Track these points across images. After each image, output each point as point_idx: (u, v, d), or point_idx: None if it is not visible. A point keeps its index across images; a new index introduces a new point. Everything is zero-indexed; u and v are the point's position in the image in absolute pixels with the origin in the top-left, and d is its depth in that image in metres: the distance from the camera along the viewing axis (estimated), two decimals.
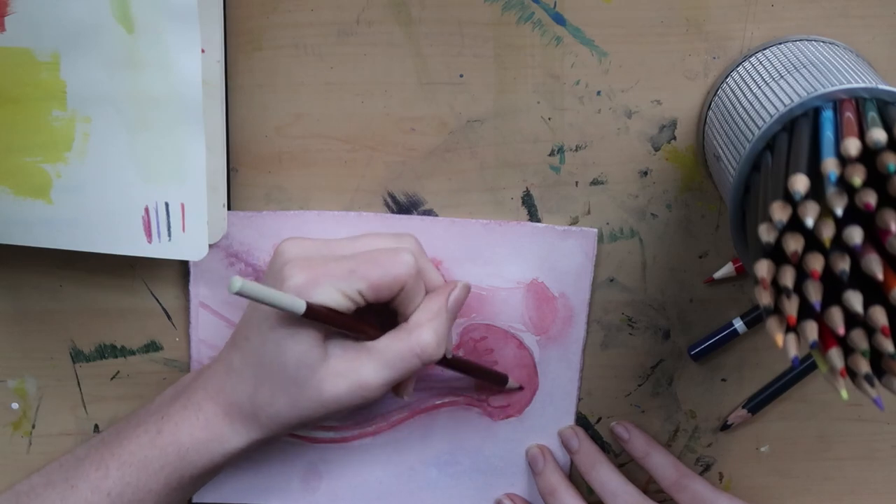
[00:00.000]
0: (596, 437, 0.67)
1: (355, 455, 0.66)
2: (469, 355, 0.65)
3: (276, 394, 0.56)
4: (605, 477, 0.64)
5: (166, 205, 0.60)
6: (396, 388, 0.60)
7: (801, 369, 0.65)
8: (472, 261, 0.64)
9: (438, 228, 0.63)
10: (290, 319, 0.55)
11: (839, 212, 0.44)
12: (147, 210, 0.60)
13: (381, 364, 0.56)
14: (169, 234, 0.60)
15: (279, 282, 0.55)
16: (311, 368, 0.55)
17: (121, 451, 0.57)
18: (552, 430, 0.66)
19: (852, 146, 0.44)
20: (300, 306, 0.53)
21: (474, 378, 0.65)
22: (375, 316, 0.58)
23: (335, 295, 0.54)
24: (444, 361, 0.60)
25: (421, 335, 0.56)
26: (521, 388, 0.65)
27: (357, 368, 0.55)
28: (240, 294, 0.51)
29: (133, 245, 0.61)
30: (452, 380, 0.65)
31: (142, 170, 0.60)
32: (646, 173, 0.63)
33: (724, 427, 0.66)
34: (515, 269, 0.64)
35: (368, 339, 0.57)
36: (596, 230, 0.63)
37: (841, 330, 0.44)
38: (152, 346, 0.65)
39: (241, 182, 0.63)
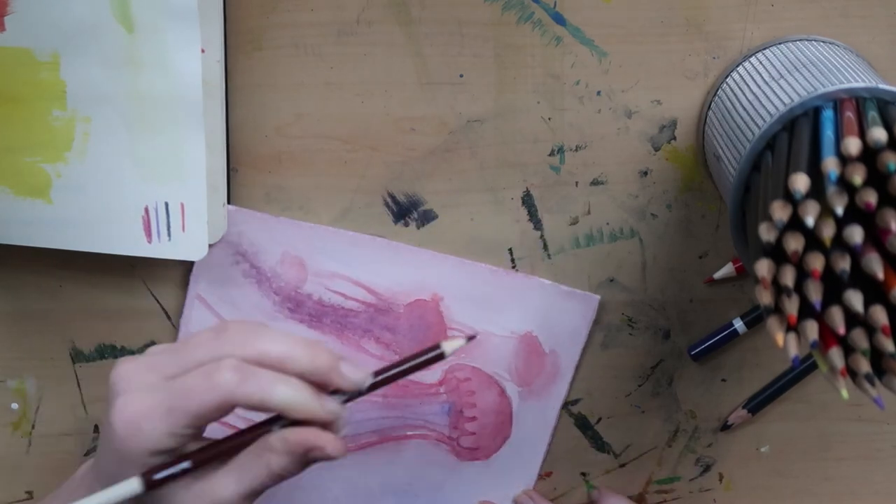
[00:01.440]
0: (596, 438, 0.67)
1: (319, 469, 0.63)
2: (451, 393, 0.65)
3: None
4: None
5: (166, 204, 0.60)
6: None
7: (801, 369, 0.65)
8: (473, 302, 0.64)
9: (447, 266, 0.64)
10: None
11: (839, 211, 0.44)
12: (147, 210, 0.60)
13: (230, 471, 0.50)
14: (169, 234, 0.60)
15: (108, 422, 0.50)
16: (164, 498, 0.50)
17: None
18: (514, 482, 0.67)
19: (853, 145, 0.44)
20: (135, 489, 0.49)
21: (414, 373, 0.54)
22: None
23: (160, 436, 0.49)
24: (368, 390, 0.52)
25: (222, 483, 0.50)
26: (472, 338, 0.53)
27: (210, 485, 0.50)
28: None
29: (133, 245, 0.61)
30: (429, 413, 0.65)
31: (142, 169, 0.60)
32: (646, 173, 0.63)
33: (725, 427, 0.66)
34: (513, 318, 0.64)
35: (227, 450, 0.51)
36: (598, 297, 0.64)
37: (841, 329, 0.44)
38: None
39: (241, 182, 0.63)
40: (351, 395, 0.51)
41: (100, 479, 0.51)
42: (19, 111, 0.60)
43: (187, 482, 0.50)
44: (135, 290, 0.64)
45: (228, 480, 0.50)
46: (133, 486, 0.49)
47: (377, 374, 0.51)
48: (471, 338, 0.52)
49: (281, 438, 0.50)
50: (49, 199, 0.61)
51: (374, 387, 0.51)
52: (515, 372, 0.65)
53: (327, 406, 0.50)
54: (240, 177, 0.63)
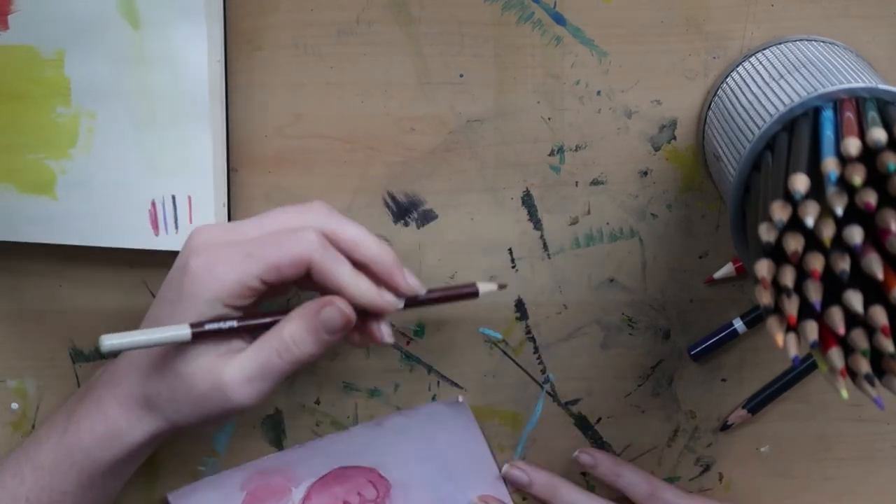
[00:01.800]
0: (596, 438, 0.67)
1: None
2: None
3: (159, 385, 0.55)
4: (572, 497, 0.65)
5: (173, 197, 0.60)
6: (370, 335, 0.57)
7: (801, 369, 0.65)
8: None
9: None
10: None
11: (839, 211, 0.44)
12: (154, 203, 0.60)
13: (242, 359, 0.54)
14: (176, 227, 0.61)
15: (180, 270, 0.54)
16: (186, 360, 0.54)
17: (35, 454, 0.57)
18: None
19: (852, 146, 0.44)
20: (185, 335, 0.52)
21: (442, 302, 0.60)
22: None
23: (230, 282, 0.53)
24: (411, 304, 0.57)
25: (282, 330, 0.54)
26: (503, 286, 0.60)
27: (222, 366, 0.54)
28: (112, 352, 0.51)
29: (140, 238, 0.61)
30: None
31: (148, 164, 0.60)
32: (646, 173, 0.63)
33: (724, 427, 0.66)
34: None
35: (270, 326, 0.55)
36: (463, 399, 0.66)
37: (841, 330, 0.44)
38: None
39: (241, 182, 0.63)
40: (405, 300, 0.56)
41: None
42: (23, 109, 0.60)
43: (243, 354, 0.54)
44: (135, 289, 0.64)
45: (237, 363, 0.54)
46: (183, 331, 0.52)
47: (429, 291, 0.57)
48: (502, 286, 0.60)
49: (297, 308, 0.54)
50: (54, 196, 0.61)
51: (421, 303, 0.57)
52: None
53: (385, 296, 0.55)
54: (240, 177, 0.63)
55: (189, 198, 0.60)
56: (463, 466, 0.66)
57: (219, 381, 0.53)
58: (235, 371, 0.53)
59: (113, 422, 0.56)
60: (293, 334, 0.54)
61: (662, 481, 0.65)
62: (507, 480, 0.66)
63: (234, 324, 0.54)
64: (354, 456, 0.66)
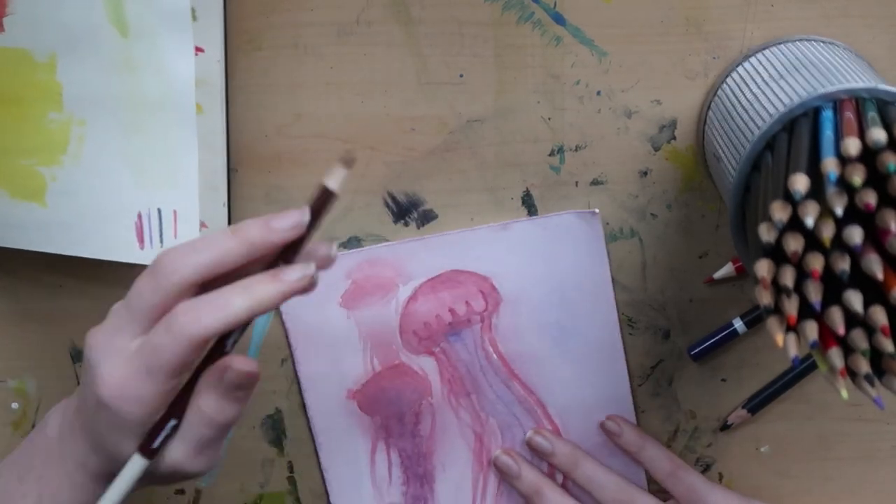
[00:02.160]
0: None
1: None
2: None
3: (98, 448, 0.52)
4: (591, 471, 0.64)
5: (159, 211, 0.60)
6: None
7: (801, 369, 0.65)
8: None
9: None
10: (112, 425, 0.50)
11: (839, 212, 0.44)
12: (140, 216, 0.60)
13: (179, 440, 0.51)
14: (161, 241, 0.60)
15: (92, 393, 0.50)
16: (166, 468, 0.51)
17: None
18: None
19: (852, 146, 0.44)
20: (141, 465, 0.50)
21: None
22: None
23: (154, 400, 0.49)
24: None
25: (198, 402, 0.50)
26: (351, 160, 0.51)
27: (166, 452, 0.51)
28: None
29: (125, 251, 0.61)
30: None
31: (135, 174, 0.60)
32: (646, 173, 0.63)
33: (724, 427, 0.66)
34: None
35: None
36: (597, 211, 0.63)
37: (841, 330, 0.44)
38: None
39: (241, 182, 0.63)
40: (306, 231, 0.49)
41: (97, 452, 0.52)
42: (16, 112, 0.60)
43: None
44: None
45: (177, 442, 0.51)
46: (138, 464, 0.50)
47: (311, 207, 0.50)
48: (348, 161, 0.50)
49: (203, 377, 0.50)
50: (44, 203, 0.60)
51: (309, 230, 0.50)
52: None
53: (289, 277, 0.49)
54: (240, 177, 0.63)
55: (175, 212, 0.60)
56: (581, 292, 0.64)
57: (169, 467, 0.51)
58: (179, 455, 0.51)
59: (88, 491, 0.53)
60: (210, 407, 0.50)
61: (685, 463, 0.65)
62: (531, 446, 0.66)
63: (174, 422, 0.51)
64: (471, 260, 0.64)
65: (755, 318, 0.64)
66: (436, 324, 0.64)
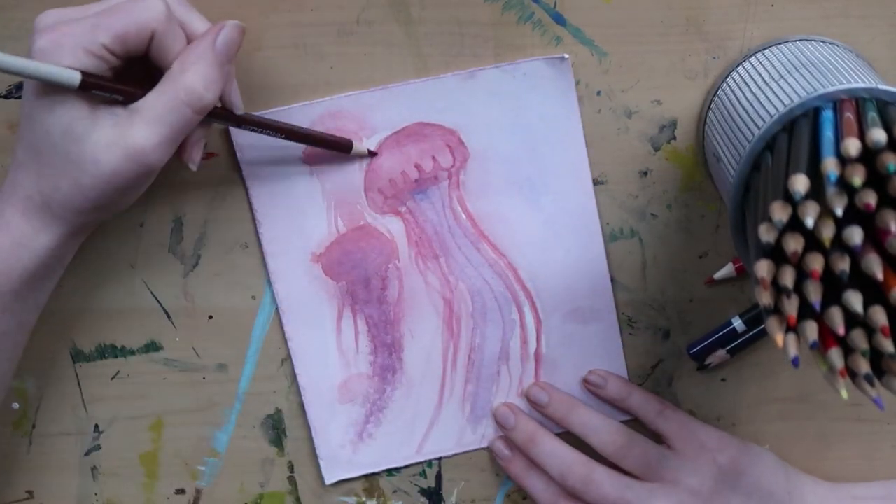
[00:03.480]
0: None
1: None
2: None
3: (57, 178, 0.53)
4: (585, 417, 0.64)
5: None
6: (181, 153, 0.57)
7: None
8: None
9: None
10: (49, 95, 0.52)
11: (839, 212, 0.44)
12: None
13: (149, 121, 0.52)
14: None
15: (29, 52, 0.52)
16: (81, 142, 0.52)
17: None
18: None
19: (852, 146, 0.44)
20: (73, 78, 0.50)
21: (311, 144, 0.61)
22: (149, 81, 0.54)
23: (79, 55, 0.51)
24: (237, 119, 0.57)
25: (185, 80, 0.53)
26: (372, 154, 0.62)
27: (127, 133, 0.52)
28: None
29: None
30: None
31: None
32: (646, 173, 0.63)
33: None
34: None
35: (137, 99, 0.53)
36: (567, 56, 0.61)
37: (841, 330, 0.44)
38: (152, 346, 0.65)
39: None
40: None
41: (19, 140, 0.54)
42: None
43: (109, 120, 0.52)
44: (135, 289, 0.64)
45: (145, 127, 0.52)
46: (72, 75, 0.50)
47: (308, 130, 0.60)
48: (372, 153, 0.61)
49: (182, 55, 0.53)
50: None
51: (297, 138, 0.59)
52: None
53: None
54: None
55: None
56: (551, 146, 0.62)
57: (131, 149, 0.52)
58: (147, 134, 0.52)
59: (15, 231, 0.54)
60: (205, 76, 0.53)
61: (671, 404, 0.65)
62: (528, 398, 0.65)
63: (102, 68, 0.52)
64: (438, 111, 0.62)
65: (754, 318, 0.64)
66: (401, 181, 0.62)
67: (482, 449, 0.66)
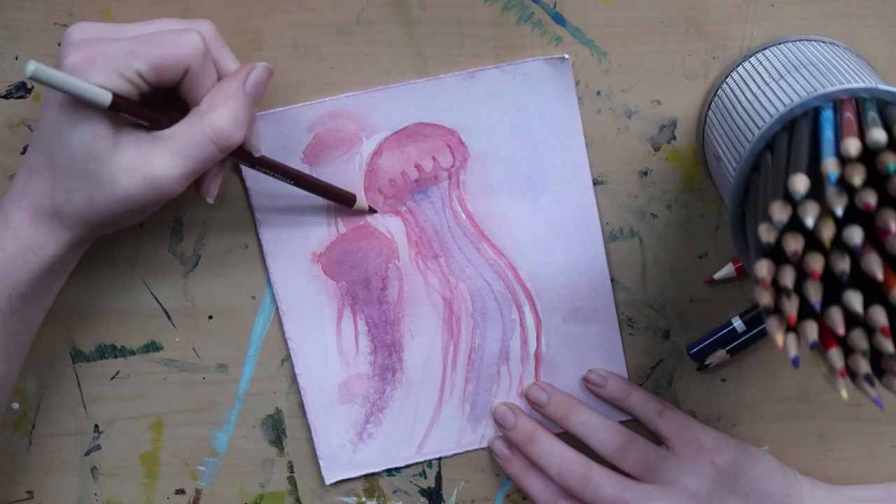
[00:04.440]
0: None
1: None
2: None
3: (71, 191, 0.53)
4: (584, 416, 0.64)
5: None
6: (199, 186, 0.57)
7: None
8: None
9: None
10: (75, 109, 0.52)
11: (839, 212, 0.44)
12: None
13: (173, 153, 0.53)
14: None
15: (58, 64, 0.52)
16: (101, 161, 0.52)
17: None
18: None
19: (852, 146, 0.44)
20: (104, 97, 0.50)
21: (317, 194, 0.61)
22: (173, 109, 0.55)
23: (112, 76, 0.51)
24: (253, 160, 0.57)
25: (214, 118, 0.53)
26: (372, 212, 0.63)
27: (149, 160, 0.53)
28: (34, 79, 0.49)
29: None
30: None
31: None
32: (646, 173, 0.63)
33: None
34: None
35: (162, 128, 0.54)
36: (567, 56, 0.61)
37: (841, 330, 0.44)
38: (152, 346, 0.65)
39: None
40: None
41: (35, 147, 0.54)
42: None
43: (132, 143, 0.53)
44: (135, 290, 0.64)
45: (168, 157, 0.53)
46: (104, 95, 0.51)
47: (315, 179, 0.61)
48: (373, 210, 0.62)
49: (211, 93, 0.54)
50: None
51: (301, 184, 0.60)
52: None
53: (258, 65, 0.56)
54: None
55: None
56: (551, 147, 0.62)
57: (150, 176, 0.53)
58: (169, 165, 0.53)
59: (24, 237, 0.55)
60: (234, 116, 0.53)
61: (671, 404, 0.65)
62: (528, 398, 0.65)
63: (132, 93, 0.52)
64: (438, 111, 0.62)
65: (755, 318, 0.64)
66: (401, 181, 0.62)
67: (482, 449, 0.66)
